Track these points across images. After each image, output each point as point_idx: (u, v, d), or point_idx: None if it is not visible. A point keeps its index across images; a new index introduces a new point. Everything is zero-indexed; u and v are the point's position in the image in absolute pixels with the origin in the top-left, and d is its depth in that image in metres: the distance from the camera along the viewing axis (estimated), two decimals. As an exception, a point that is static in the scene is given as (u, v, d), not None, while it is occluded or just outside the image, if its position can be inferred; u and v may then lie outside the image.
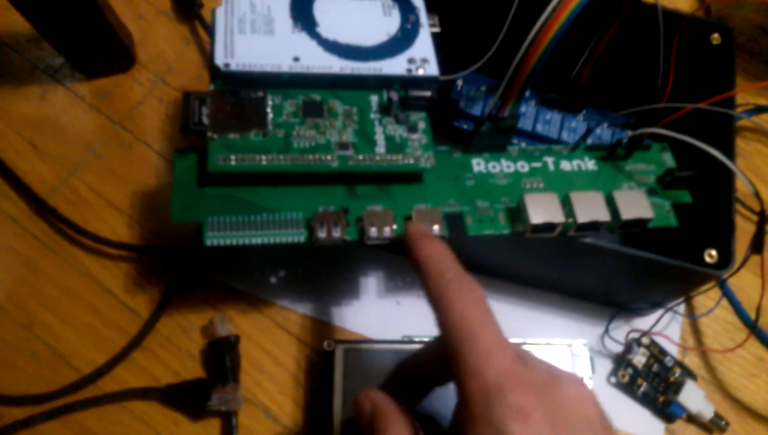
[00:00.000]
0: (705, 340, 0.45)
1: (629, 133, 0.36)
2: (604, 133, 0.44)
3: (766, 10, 0.55)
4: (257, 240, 0.30)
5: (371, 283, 0.44)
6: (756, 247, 0.35)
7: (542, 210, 0.32)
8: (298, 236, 0.31)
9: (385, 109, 0.34)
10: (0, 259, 0.43)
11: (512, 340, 0.38)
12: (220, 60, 0.31)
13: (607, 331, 0.43)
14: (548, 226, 0.32)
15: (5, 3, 0.40)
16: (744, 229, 0.46)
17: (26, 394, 0.39)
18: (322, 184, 0.32)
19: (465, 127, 0.44)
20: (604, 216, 0.32)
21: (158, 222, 0.44)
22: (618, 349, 0.43)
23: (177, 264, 0.43)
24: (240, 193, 0.31)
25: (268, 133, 0.31)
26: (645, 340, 0.42)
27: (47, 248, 0.43)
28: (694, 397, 0.41)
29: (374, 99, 0.34)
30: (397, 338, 0.40)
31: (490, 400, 0.22)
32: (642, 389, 0.42)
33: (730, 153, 0.37)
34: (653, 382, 0.42)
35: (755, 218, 0.46)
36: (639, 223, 0.33)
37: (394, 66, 0.33)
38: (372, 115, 0.33)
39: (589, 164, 0.36)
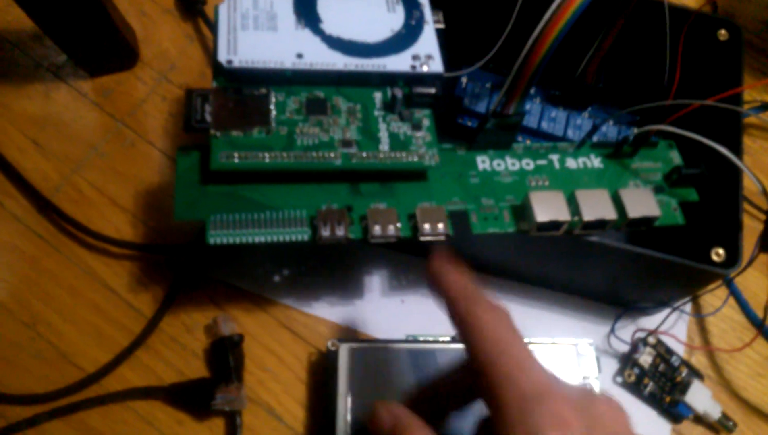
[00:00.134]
0: (712, 339, 0.44)
1: (635, 130, 0.35)
2: (610, 130, 0.44)
3: (774, 6, 0.55)
4: (260, 238, 0.30)
5: (375, 282, 0.44)
6: (764, 245, 0.34)
7: (548, 208, 0.31)
8: (302, 235, 0.31)
9: (389, 106, 0.33)
10: (3, 258, 0.42)
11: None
12: (223, 57, 0.31)
13: (613, 330, 0.43)
14: (554, 225, 0.32)
15: (8, 0, 0.40)
16: (751, 228, 0.45)
17: (30, 393, 0.39)
18: (325, 181, 0.32)
19: (469, 124, 0.44)
20: (610, 214, 0.32)
21: (161, 220, 0.44)
22: (624, 348, 0.43)
23: (180, 262, 0.43)
24: (243, 191, 0.31)
25: (271, 131, 0.31)
26: (651, 340, 0.42)
27: (50, 246, 0.43)
28: (701, 397, 0.41)
29: (378, 96, 0.34)
30: (401, 337, 0.40)
31: (528, 407, 0.22)
32: (648, 389, 0.41)
33: (738, 150, 0.37)
34: (660, 382, 0.41)
35: (763, 217, 0.46)
36: (646, 222, 0.33)
37: (399, 63, 0.33)
38: (376, 113, 0.33)
39: (595, 162, 0.36)
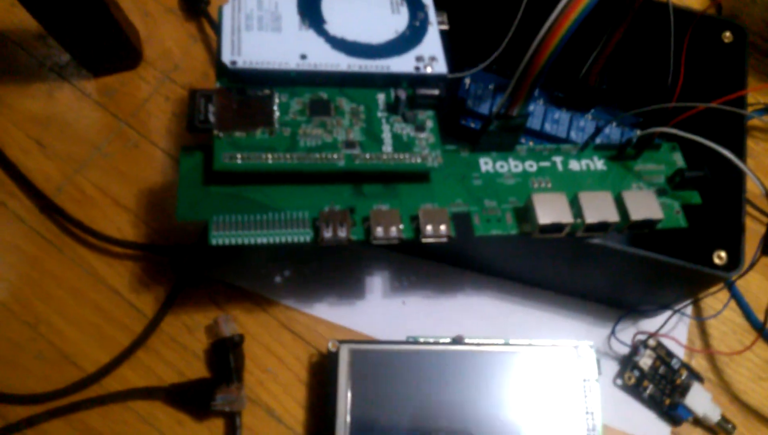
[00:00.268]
0: (712, 342, 0.44)
1: (638, 132, 0.35)
2: (613, 132, 0.44)
3: (779, 9, 0.54)
4: (263, 240, 0.30)
5: (376, 283, 0.44)
6: (766, 248, 0.34)
7: (550, 210, 0.31)
8: (304, 236, 0.31)
9: (392, 107, 0.33)
10: (5, 258, 0.42)
11: (518, 341, 0.38)
12: (227, 57, 0.31)
13: (613, 332, 0.43)
14: (556, 227, 0.32)
15: (12, 0, 0.40)
16: (754, 231, 0.45)
17: (31, 393, 0.39)
18: (328, 183, 0.32)
19: (472, 125, 0.44)
20: (613, 217, 0.32)
21: (164, 221, 0.44)
22: (624, 350, 0.43)
23: (182, 263, 0.43)
24: (246, 192, 0.31)
25: (274, 132, 0.31)
26: (652, 342, 0.42)
27: (53, 246, 0.43)
28: (700, 400, 0.41)
29: (381, 97, 0.34)
30: (402, 339, 0.40)
31: None
32: (648, 391, 0.41)
33: (741, 153, 0.37)
34: (660, 385, 0.41)
35: (765, 219, 0.46)
36: (648, 224, 0.33)
37: (402, 64, 0.33)
38: (379, 114, 0.33)
39: (598, 164, 0.36)
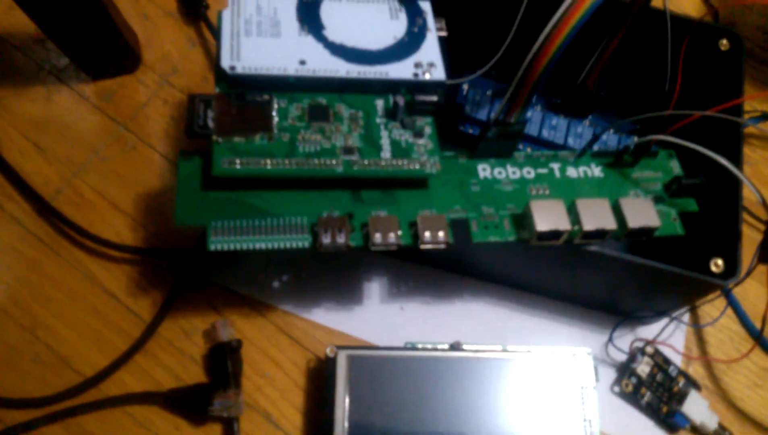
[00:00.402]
0: (709, 349, 0.44)
1: (636, 139, 0.35)
2: (610, 139, 0.44)
3: (775, 17, 0.55)
4: (261, 245, 0.30)
5: (375, 289, 0.44)
6: (763, 256, 0.34)
7: (548, 217, 0.32)
8: (303, 241, 0.31)
9: (391, 113, 0.33)
10: (3, 261, 0.42)
11: (516, 347, 0.38)
12: (226, 63, 0.31)
13: (611, 339, 0.43)
14: (554, 234, 0.32)
15: (10, 3, 0.40)
16: (750, 238, 0.45)
17: (28, 397, 0.39)
18: (326, 188, 0.32)
19: (471, 131, 0.44)
20: (610, 224, 0.32)
21: (162, 224, 0.44)
22: (622, 357, 0.43)
23: (180, 267, 0.42)
24: (244, 198, 0.31)
25: (273, 137, 0.31)
26: (649, 349, 0.42)
27: (50, 250, 0.43)
28: (697, 408, 0.41)
29: (380, 103, 0.34)
30: (400, 345, 0.40)
31: None
32: (645, 399, 0.41)
33: (738, 161, 0.37)
34: (657, 392, 0.41)
35: (762, 227, 0.46)
36: (645, 232, 0.33)
37: (401, 70, 0.33)
38: (378, 120, 0.33)
39: (596, 171, 0.36)
